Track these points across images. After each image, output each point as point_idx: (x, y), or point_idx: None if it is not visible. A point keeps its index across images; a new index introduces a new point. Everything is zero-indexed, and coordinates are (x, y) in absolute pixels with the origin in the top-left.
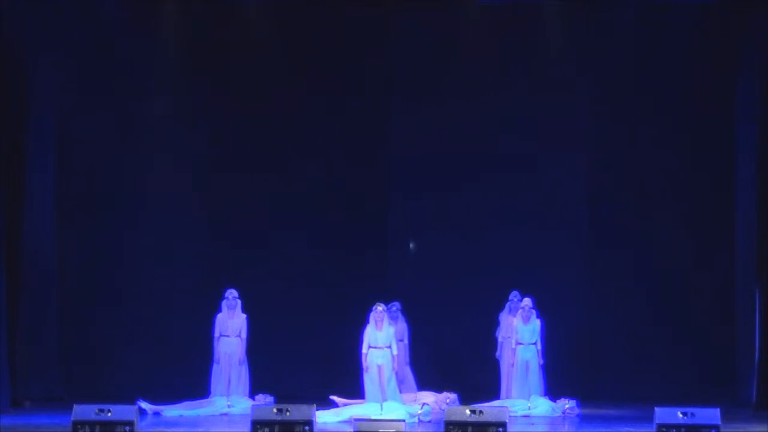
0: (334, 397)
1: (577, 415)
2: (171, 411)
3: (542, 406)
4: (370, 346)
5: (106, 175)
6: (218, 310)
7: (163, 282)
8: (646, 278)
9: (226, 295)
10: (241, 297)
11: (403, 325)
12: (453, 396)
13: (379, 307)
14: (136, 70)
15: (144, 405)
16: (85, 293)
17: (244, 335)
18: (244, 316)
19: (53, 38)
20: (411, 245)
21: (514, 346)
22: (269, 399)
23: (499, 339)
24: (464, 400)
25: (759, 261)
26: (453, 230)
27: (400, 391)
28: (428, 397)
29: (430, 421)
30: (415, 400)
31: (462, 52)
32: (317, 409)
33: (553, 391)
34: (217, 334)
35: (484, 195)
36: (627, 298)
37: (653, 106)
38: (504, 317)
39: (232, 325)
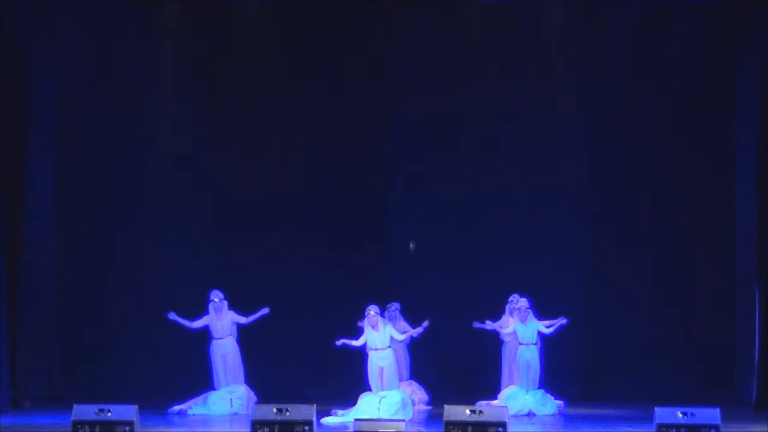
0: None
1: (562, 413)
2: (195, 410)
3: (543, 406)
4: (370, 349)
5: (106, 174)
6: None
7: (163, 281)
8: (646, 279)
9: (212, 297)
10: (227, 297)
11: (404, 325)
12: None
13: (371, 311)
14: (136, 69)
15: (177, 408)
16: (85, 293)
17: (235, 332)
18: (230, 312)
19: (53, 37)
20: (411, 245)
21: (517, 344)
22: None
23: (504, 338)
24: (464, 400)
25: (759, 261)
26: (454, 229)
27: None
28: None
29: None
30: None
31: (462, 50)
32: (319, 416)
33: (550, 391)
34: (208, 337)
35: (484, 195)
36: (627, 298)
37: (653, 106)
38: (504, 319)
39: (221, 327)
